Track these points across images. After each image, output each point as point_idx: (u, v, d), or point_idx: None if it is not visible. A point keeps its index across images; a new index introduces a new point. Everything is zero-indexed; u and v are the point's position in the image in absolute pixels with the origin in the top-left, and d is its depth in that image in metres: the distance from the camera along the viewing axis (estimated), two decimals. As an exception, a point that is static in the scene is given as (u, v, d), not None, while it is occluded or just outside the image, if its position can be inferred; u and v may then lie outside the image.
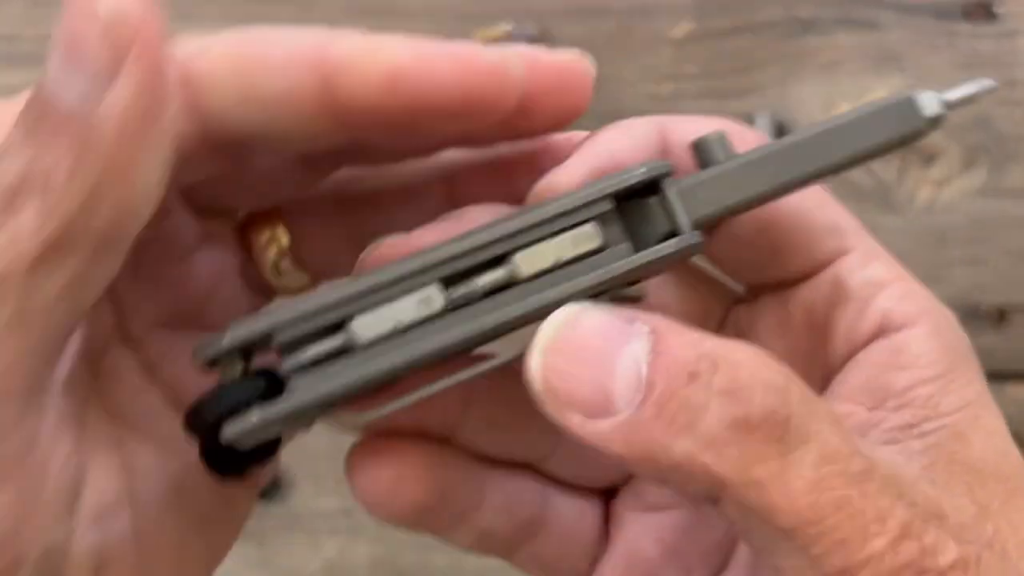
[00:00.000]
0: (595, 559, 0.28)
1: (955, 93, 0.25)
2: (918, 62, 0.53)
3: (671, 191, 0.23)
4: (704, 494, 0.21)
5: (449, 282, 0.22)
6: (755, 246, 0.26)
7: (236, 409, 0.21)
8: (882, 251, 0.26)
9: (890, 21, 0.54)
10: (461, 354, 0.23)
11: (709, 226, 0.24)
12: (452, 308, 0.22)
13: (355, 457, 0.24)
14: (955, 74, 0.53)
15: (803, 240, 0.25)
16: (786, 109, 0.53)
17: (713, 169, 0.24)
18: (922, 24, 0.54)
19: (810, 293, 0.26)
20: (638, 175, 0.23)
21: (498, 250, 0.22)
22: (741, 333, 0.27)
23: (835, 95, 0.53)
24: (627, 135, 0.25)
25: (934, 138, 0.53)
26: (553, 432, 0.23)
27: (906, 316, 0.25)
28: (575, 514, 0.28)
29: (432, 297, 0.22)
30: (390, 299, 0.22)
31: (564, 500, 0.28)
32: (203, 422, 0.22)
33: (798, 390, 0.21)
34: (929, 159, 0.53)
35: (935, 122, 0.24)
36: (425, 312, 0.22)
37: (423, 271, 0.22)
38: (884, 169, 0.53)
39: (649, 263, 0.22)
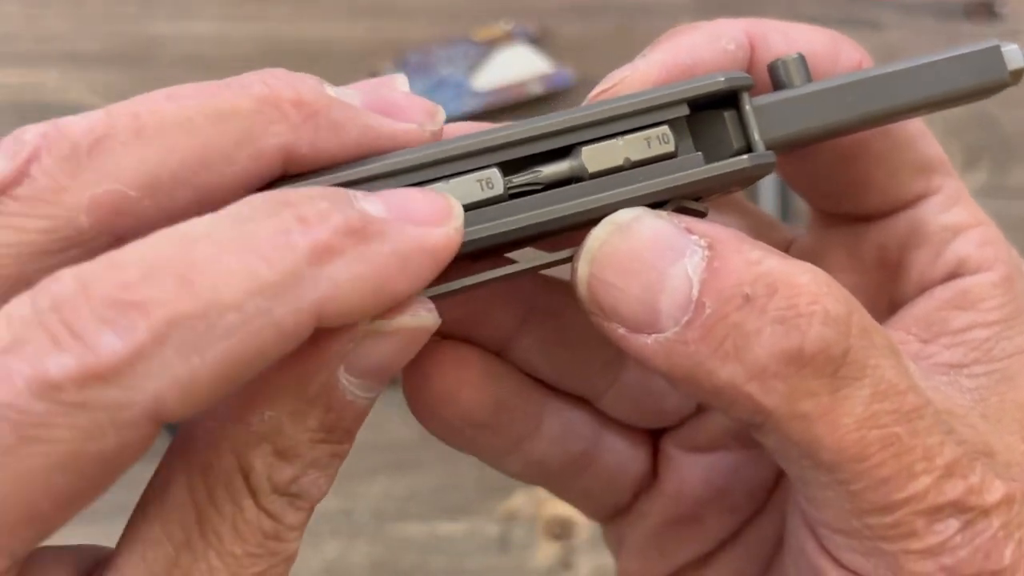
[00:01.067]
0: (638, 493, 0.28)
1: None
2: (919, 62, 0.54)
3: (748, 106, 0.22)
4: (747, 420, 0.20)
5: (510, 168, 0.21)
6: (835, 177, 0.25)
7: None
8: (965, 193, 0.25)
9: (892, 21, 0.54)
10: (512, 246, 0.22)
11: (782, 149, 0.23)
12: (512, 196, 0.21)
13: (411, 361, 0.21)
14: (956, 74, 0.53)
15: (886, 178, 0.24)
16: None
17: (791, 91, 0.23)
18: (924, 24, 0.54)
19: (887, 231, 0.25)
20: (718, 83, 0.21)
21: (566, 141, 0.21)
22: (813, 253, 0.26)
23: (836, 95, 0.54)
24: (710, 40, 0.23)
25: (936, 138, 0.53)
26: (610, 369, 0.23)
27: (981, 262, 0.24)
28: (626, 452, 0.27)
29: (493, 179, 0.21)
30: (447, 176, 0.21)
31: (616, 438, 0.27)
32: None
33: (859, 321, 0.20)
34: (930, 159, 0.53)
35: (1019, 75, 0.23)
36: (487, 194, 0.21)
37: (483, 152, 0.21)
38: (885, 169, 0.53)
39: (721, 175, 0.21)
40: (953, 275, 0.24)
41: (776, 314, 0.19)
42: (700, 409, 0.27)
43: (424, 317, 0.20)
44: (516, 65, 0.53)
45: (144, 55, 0.54)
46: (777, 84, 0.23)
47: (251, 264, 0.17)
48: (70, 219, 0.18)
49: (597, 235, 0.20)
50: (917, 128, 0.24)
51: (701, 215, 0.22)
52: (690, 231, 0.20)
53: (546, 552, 0.52)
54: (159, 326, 0.16)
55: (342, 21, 0.54)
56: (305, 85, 0.21)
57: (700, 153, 0.22)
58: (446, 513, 0.52)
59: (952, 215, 0.24)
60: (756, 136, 0.22)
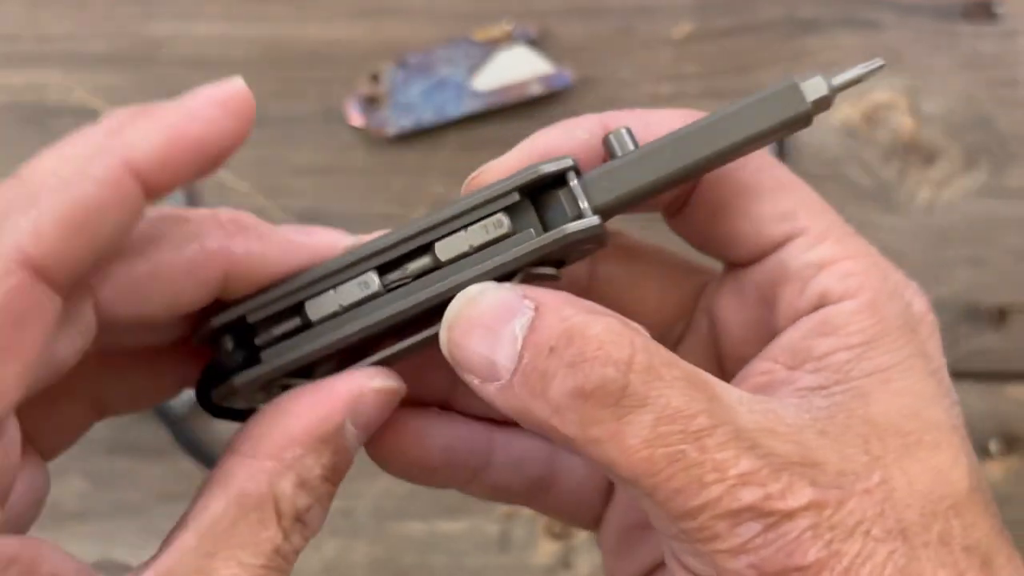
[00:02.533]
0: (604, 504, 0.32)
1: (843, 76, 0.26)
2: (919, 62, 0.53)
3: (574, 182, 0.26)
4: (566, 448, 0.24)
5: (385, 269, 0.26)
6: (709, 233, 0.28)
7: (222, 375, 0.27)
8: (839, 230, 0.28)
9: (891, 21, 0.54)
10: (403, 327, 0.26)
11: (618, 210, 0.26)
12: (389, 290, 0.26)
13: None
14: (955, 74, 0.53)
15: (750, 229, 0.28)
16: (786, 109, 0.53)
17: (617, 160, 0.26)
18: (922, 24, 0.54)
19: (761, 272, 0.28)
20: (541, 170, 0.26)
21: (423, 240, 0.26)
22: (709, 307, 0.30)
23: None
24: (565, 132, 0.28)
25: (935, 138, 0.53)
26: None
27: (844, 292, 0.27)
28: (582, 470, 0.31)
29: (369, 281, 0.26)
30: (336, 285, 0.26)
31: (572, 459, 0.31)
32: (200, 385, 0.28)
33: (642, 360, 0.24)
34: (929, 159, 0.53)
35: (820, 105, 0.26)
36: (364, 293, 0.26)
37: (362, 261, 0.26)
38: (885, 169, 0.53)
39: (552, 244, 0.25)
40: (817, 307, 0.27)
41: (569, 360, 0.24)
42: None
43: (399, 382, 0.26)
44: (516, 66, 0.54)
45: (146, 56, 0.54)
46: (611, 156, 0.27)
47: (64, 152, 0.23)
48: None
49: (452, 307, 0.25)
50: (775, 180, 0.28)
51: (553, 279, 0.26)
52: (525, 296, 0.24)
53: (546, 551, 0.52)
54: (8, 196, 0.22)
55: (343, 22, 0.55)
56: (244, 214, 0.27)
57: (531, 229, 0.26)
58: (446, 512, 0.52)
59: (816, 252, 0.27)
60: (583, 205, 0.26)
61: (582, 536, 0.52)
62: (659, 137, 0.26)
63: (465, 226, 0.26)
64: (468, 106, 0.53)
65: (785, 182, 0.28)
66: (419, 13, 0.54)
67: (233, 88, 0.25)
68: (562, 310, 0.24)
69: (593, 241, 0.26)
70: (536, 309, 0.24)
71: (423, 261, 0.26)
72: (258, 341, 0.27)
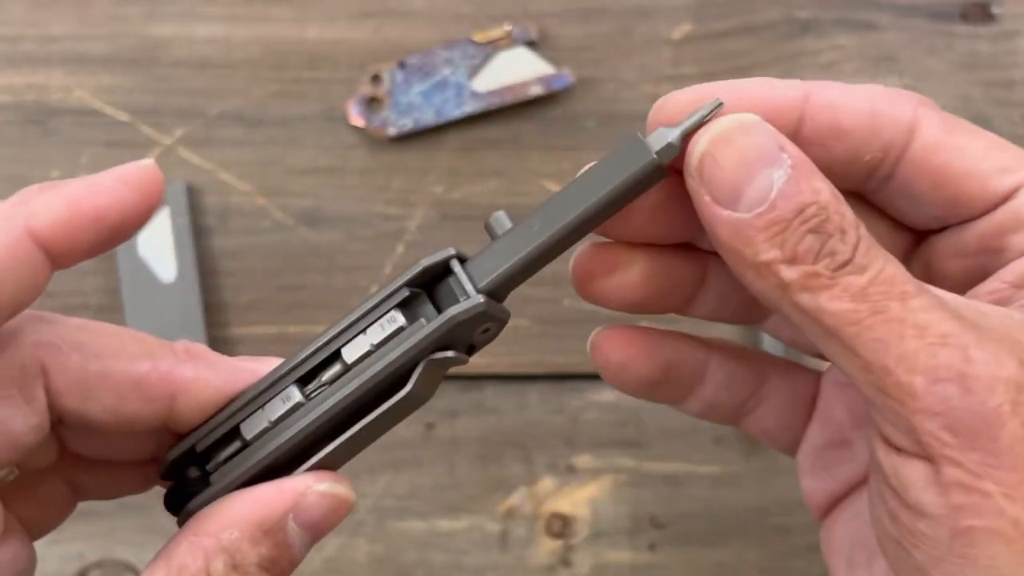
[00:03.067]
0: (804, 426, 0.34)
1: (687, 122, 0.27)
2: (916, 63, 0.54)
3: (457, 269, 0.28)
4: (768, 294, 0.26)
5: (305, 380, 0.28)
6: (933, 201, 0.29)
7: (184, 496, 0.29)
8: None
9: (888, 22, 0.54)
10: (337, 427, 0.28)
11: (507, 287, 0.28)
12: (310, 399, 0.28)
13: (594, 339, 0.31)
14: (953, 74, 0.53)
15: (978, 187, 0.29)
16: (785, 110, 0.54)
17: (492, 242, 0.28)
18: (920, 25, 0.54)
19: (985, 224, 0.29)
20: (423, 264, 0.28)
21: (331, 349, 0.28)
22: (926, 260, 0.31)
23: (834, 96, 0.54)
24: (766, 84, 0.29)
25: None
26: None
27: None
28: (791, 390, 0.33)
29: (291, 395, 0.28)
30: (263, 404, 0.28)
31: (781, 379, 0.33)
32: (167, 501, 0.30)
33: (866, 244, 0.26)
34: (927, 159, 0.53)
35: (667, 152, 0.27)
36: (288, 406, 0.28)
37: (282, 378, 0.28)
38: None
39: (438, 328, 0.27)
40: None
41: (812, 225, 0.25)
42: None
43: (348, 490, 0.28)
44: (516, 67, 0.54)
45: (148, 57, 0.54)
46: (491, 237, 0.28)
47: None
48: (19, 350, 0.27)
49: (723, 123, 0.26)
50: (985, 138, 0.29)
51: (461, 363, 0.28)
52: (783, 149, 0.26)
53: (546, 549, 0.52)
54: None
55: (344, 23, 0.55)
56: (197, 345, 0.29)
57: (422, 319, 0.28)
58: (446, 510, 0.52)
59: None
60: (468, 287, 0.28)
61: (582, 535, 0.52)
62: (529, 213, 0.28)
63: (364, 328, 0.28)
64: (468, 107, 0.53)
65: (993, 138, 0.29)
66: (420, 14, 0.54)
67: (140, 166, 0.27)
68: (815, 180, 0.26)
69: (487, 319, 0.28)
70: (793, 167, 0.26)
71: (334, 368, 0.28)
72: (209, 467, 0.29)
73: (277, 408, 0.28)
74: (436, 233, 0.53)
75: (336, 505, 0.28)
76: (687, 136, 0.27)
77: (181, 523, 0.29)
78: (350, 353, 0.28)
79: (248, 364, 0.29)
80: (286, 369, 0.29)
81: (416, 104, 0.54)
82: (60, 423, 0.28)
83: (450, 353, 0.28)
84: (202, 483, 0.29)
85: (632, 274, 0.30)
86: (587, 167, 0.28)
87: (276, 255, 0.53)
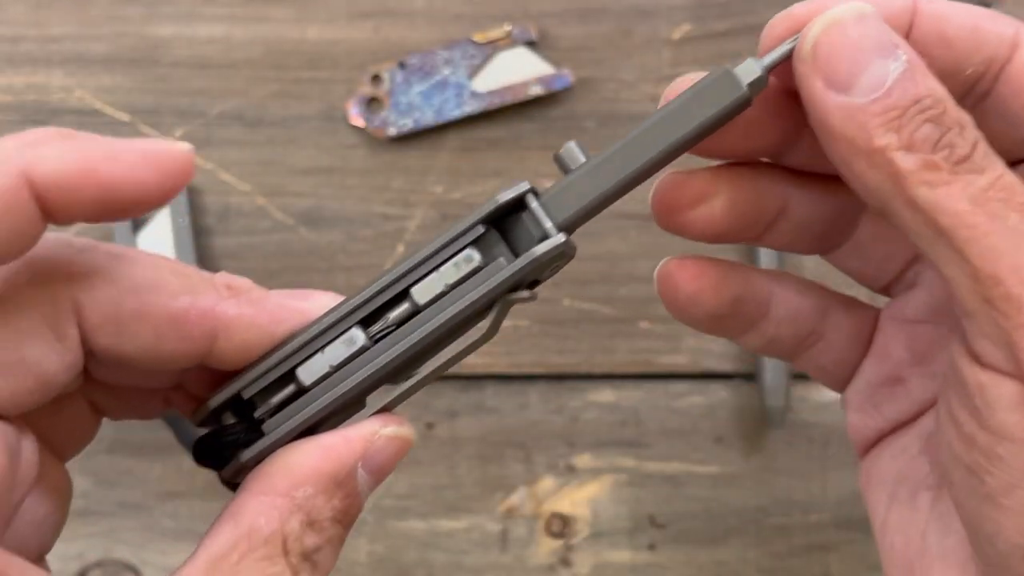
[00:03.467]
0: (859, 361, 0.33)
1: (772, 55, 0.27)
2: (916, 63, 0.54)
3: (534, 204, 0.27)
4: (878, 185, 0.25)
5: (368, 322, 0.27)
6: (1021, 118, 0.28)
7: (225, 445, 0.27)
8: None
9: (888, 22, 0.54)
10: (397, 372, 0.27)
11: (579, 223, 0.27)
12: (375, 342, 0.27)
13: (665, 269, 0.30)
14: (953, 75, 0.53)
15: None
16: (785, 110, 0.54)
17: (568, 175, 0.27)
18: (920, 25, 0.54)
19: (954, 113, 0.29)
20: (500, 200, 0.27)
21: (399, 288, 0.27)
22: None
23: (833, 96, 0.54)
24: None
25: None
26: (848, 228, 0.30)
27: None
28: (850, 326, 0.32)
29: (355, 338, 0.27)
30: (323, 347, 0.27)
31: (841, 314, 0.32)
32: (197, 451, 0.28)
33: (983, 148, 0.25)
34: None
35: (757, 86, 0.27)
36: (352, 350, 0.27)
37: (343, 319, 0.27)
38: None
39: (522, 269, 0.26)
40: None
41: (929, 116, 0.25)
42: (913, 285, 0.32)
43: (411, 430, 0.27)
44: (516, 67, 0.54)
45: (149, 57, 0.54)
46: (564, 170, 0.27)
47: None
48: (51, 283, 0.25)
49: (839, 11, 0.26)
50: None
51: (530, 299, 0.27)
52: (897, 46, 0.25)
53: (546, 549, 0.52)
54: None
55: (344, 23, 0.55)
56: (240, 279, 0.27)
57: (501, 259, 0.27)
58: (446, 510, 0.52)
59: None
60: (547, 225, 0.27)
61: (582, 535, 0.52)
62: (610, 145, 0.27)
63: (437, 266, 0.27)
64: (468, 107, 0.53)
65: None
66: (419, 15, 0.55)
67: (172, 152, 0.25)
68: (930, 79, 0.25)
69: (562, 257, 0.27)
70: (908, 63, 0.25)
71: (403, 308, 0.27)
72: (257, 414, 0.27)
73: (339, 352, 0.27)
74: (436, 233, 0.53)
75: (401, 446, 0.27)
76: (770, 69, 0.27)
77: (229, 475, 0.28)
78: (422, 293, 0.27)
79: (295, 303, 0.27)
80: (346, 310, 0.27)
81: (416, 104, 0.54)
82: (91, 357, 0.26)
83: (525, 292, 0.27)
84: (248, 431, 0.27)
85: (717, 205, 0.30)
86: (672, 98, 0.27)
87: (276, 255, 0.53)
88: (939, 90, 0.25)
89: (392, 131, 0.53)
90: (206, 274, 0.27)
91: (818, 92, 0.26)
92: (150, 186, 0.24)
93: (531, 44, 0.54)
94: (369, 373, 0.26)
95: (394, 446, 0.27)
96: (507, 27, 0.54)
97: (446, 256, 0.27)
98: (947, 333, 0.31)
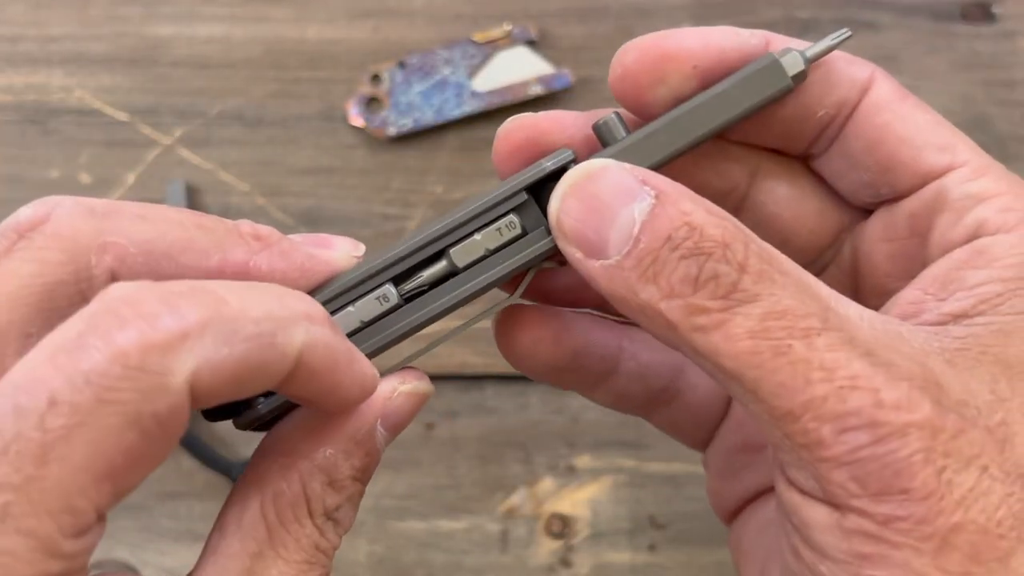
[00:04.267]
0: (718, 424, 0.32)
1: (815, 48, 0.27)
2: (916, 63, 0.54)
3: None
4: (663, 336, 0.24)
5: (400, 279, 0.27)
6: (866, 166, 0.28)
7: (241, 402, 0.26)
8: (998, 168, 0.27)
9: (889, 22, 0.54)
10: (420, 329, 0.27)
11: None
12: (407, 300, 0.27)
13: (502, 321, 0.29)
14: (953, 74, 0.53)
15: (912, 156, 0.27)
16: (785, 110, 0.54)
17: (610, 148, 0.27)
18: (920, 25, 0.54)
19: (915, 203, 0.28)
20: (546, 167, 0.26)
21: (436, 247, 0.26)
22: (856, 241, 0.29)
23: (834, 96, 0.54)
24: (735, 37, 0.28)
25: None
26: None
27: (1002, 224, 0.26)
28: (707, 387, 0.31)
29: (388, 294, 0.26)
30: (354, 300, 0.26)
31: (698, 373, 0.31)
32: (214, 412, 0.27)
33: (756, 264, 0.24)
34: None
35: (800, 78, 0.27)
36: (385, 307, 0.26)
37: (377, 274, 0.26)
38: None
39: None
40: (973, 238, 0.26)
41: (685, 251, 0.24)
42: None
43: (429, 384, 0.27)
44: (516, 67, 0.54)
45: (148, 57, 0.54)
46: (603, 143, 0.27)
47: (267, 301, 0.22)
48: (82, 256, 0.23)
49: (569, 176, 0.25)
50: (933, 116, 0.28)
51: (557, 268, 0.28)
52: (645, 182, 0.24)
53: (546, 550, 0.52)
54: (204, 318, 0.20)
55: (344, 23, 0.55)
56: (263, 227, 0.26)
57: (543, 228, 0.27)
58: (446, 511, 0.52)
59: (976, 185, 0.27)
60: None
61: (582, 535, 0.52)
62: (653, 120, 0.27)
63: (478, 229, 0.27)
64: (468, 106, 0.53)
65: (941, 119, 0.28)
66: (419, 14, 0.55)
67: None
68: (682, 203, 0.24)
69: None
70: (656, 197, 0.24)
71: (439, 267, 0.27)
72: None
73: (371, 307, 0.26)
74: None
75: (419, 401, 0.27)
76: (812, 62, 0.27)
77: (243, 424, 0.27)
78: (462, 255, 0.27)
79: (321, 253, 0.27)
80: (381, 265, 0.27)
81: (416, 104, 0.54)
82: None
83: (552, 263, 0.27)
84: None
85: (550, 347, 0.30)
86: (722, 84, 0.27)
87: (276, 255, 0.53)
88: (695, 213, 0.24)
89: (392, 131, 0.53)
90: (230, 223, 0.26)
91: (580, 263, 0.25)
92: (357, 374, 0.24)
93: (531, 44, 0.54)
94: (403, 331, 0.26)
95: (412, 401, 0.26)
96: (507, 27, 0.54)
97: (488, 220, 0.27)
98: None
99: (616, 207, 0.24)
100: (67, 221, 0.23)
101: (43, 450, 0.19)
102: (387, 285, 0.26)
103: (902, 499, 0.22)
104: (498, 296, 0.29)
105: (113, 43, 0.54)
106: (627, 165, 0.25)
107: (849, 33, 0.28)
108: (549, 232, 0.26)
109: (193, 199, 0.53)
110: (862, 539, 0.23)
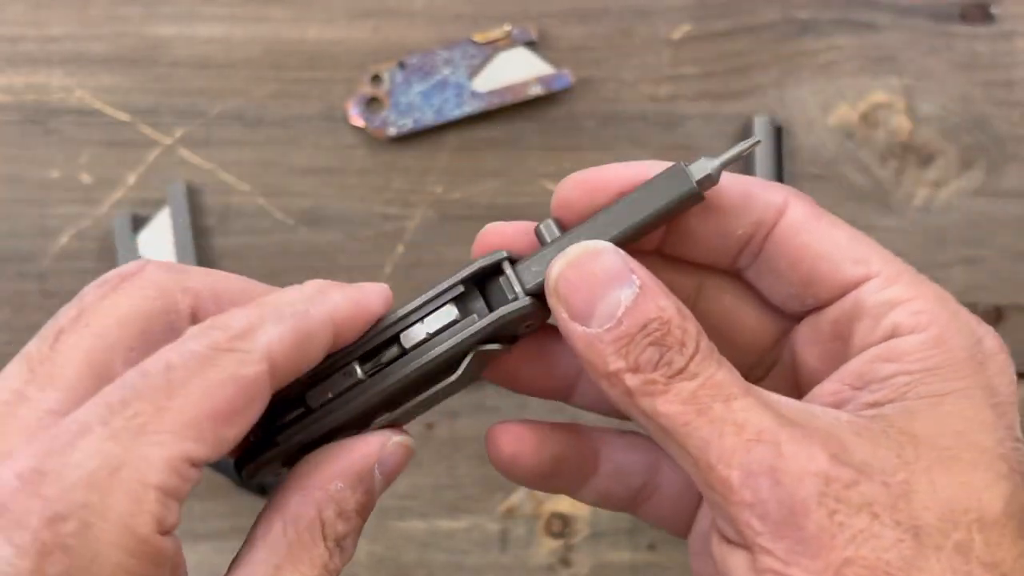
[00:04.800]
0: (695, 511, 0.35)
1: (724, 156, 0.30)
2: (915, 63, 0.54)
3: (508, 271, 0.31)
4: (618, 398, 0.29)
5: (365, 359, 0.31)
6: (790, 281, 0.31)
7: (246, 455, 0.32)
8: (910, 275, 0.31)
9: (887, 22, 0.54)
10: (387, 403, 0.32)
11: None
12: (370, 376, 0.31)
13: (490, 431, 0.33)
14: (952, 75, 0.54)
15: (829, 271, 0.31)
16: (784, 110, 0.54)
17: (541, 249, 0.31)
18: (919, 25, 0.54)
19: (837, 311, 0.31)
20: (476, 266, 0.31)
21: (391, 333, 0.31)
22: (791, 344, 0.33)
23: (833, 96, 0.54)
24: (655, 168, 0.31)
25: (931, 139, 0.53)
26: None
27: (914, 326, 0.29)
28: (682, 479, 0.34)
29: (352, 371, 0.31)
30: (326, 377, 0.31)
31: (671, 468, 0.34)
32: (237, 464, 0.33)
33: (704, 357, 0.28)
34: (927, 160, 0.53)
35: (706, 182, 0.30)
36: (350, 381, 0.31)
37: (344, 355, 0.31)
38: (881, 170, 0.53)
39: (489, 325, 0.30)
40: (889, 339, 0.30)
41: (654, 339, 0.28)
42: None
43: (410, 439, 0.31)
44: (516, 67, 0.54)
45: (148, 57, 0.54)
46: (541, 243, 0.31)
47: (291, 291, 0.30)
48: (170, 296, 0.29)
49: (573, 251, 0.29)
50: (849, 232, 0.31)
51: (505, 353, 0.32)
52: (633, 272, 0.29)
53: (546, 549, 0.52)
54: (260, 315, 0.28)
55: (344, 23, 0.55)
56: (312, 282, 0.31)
57: (475, 315, 0.31)
58: (447, 511, 0.52)
59: (890, 292, 0.30)
60: (517, 289, 0.31)
61: (582, 534, 0.52)
62: (577, 224, 0.31)
63: (422, 318, 0.31)
64: (468, 107, 0.53)
65: (856, 233, 0.31)
66: (419, 15, 0.55)
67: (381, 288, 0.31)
68: (660, 299, 0.29)
69: (532, 317, 0.31)
70: (640, 288, 0.28)
71: (392, 350, 0.31)
72: (275, 426, 0.32)
73: (340, 382, 0.31)
74: (436, 233, 0.53)
75: (407, 452, 0.31)
76: (723, 168, 0.30)
77: (246, 477, 0.32)
78: (408, 339, 0.31)
79: (362, 301, 0.31)
80: (349, 348, 0.31)
81: (416, 104, 0.54)
82: None
83: (496, 345, 0.31)
84: (262, 444, 0.32)
85: (534, 458, 0.33)
86: (636, 189, 0.31)
87: (276, 255, 0.53)
88: (668, 311, 0.28)
89: (392, 131, 0.53)
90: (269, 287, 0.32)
91: (564, 323, 0.29)
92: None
93: (531, 44, 0.54)
94: (365, 400, 0.31)
95: (401, 451, 0.31)
96: (507, 27, 0.54)
97: (431, 309, 0.31)
98: None
99: (608, 286, 0.29)
100: (156, 272, 0.29)
101: (169, 390, 0.26)
102: (354, 364, 0.31)
103: (798, 536, 0.26)
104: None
105: (113, 43, 0.54)
106: (621, 251, 0.29)
107: (758, 140, 0.31)
108: (481, 316, 0.31)
109: (193, 199, 0.53)
110: None
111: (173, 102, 0.54)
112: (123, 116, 0.54)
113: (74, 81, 0.54)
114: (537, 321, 0.31)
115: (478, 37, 0.54)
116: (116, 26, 0.55)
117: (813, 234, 0.31)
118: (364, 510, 0.30)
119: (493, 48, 0.54)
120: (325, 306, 0.29)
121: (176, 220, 0.52)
